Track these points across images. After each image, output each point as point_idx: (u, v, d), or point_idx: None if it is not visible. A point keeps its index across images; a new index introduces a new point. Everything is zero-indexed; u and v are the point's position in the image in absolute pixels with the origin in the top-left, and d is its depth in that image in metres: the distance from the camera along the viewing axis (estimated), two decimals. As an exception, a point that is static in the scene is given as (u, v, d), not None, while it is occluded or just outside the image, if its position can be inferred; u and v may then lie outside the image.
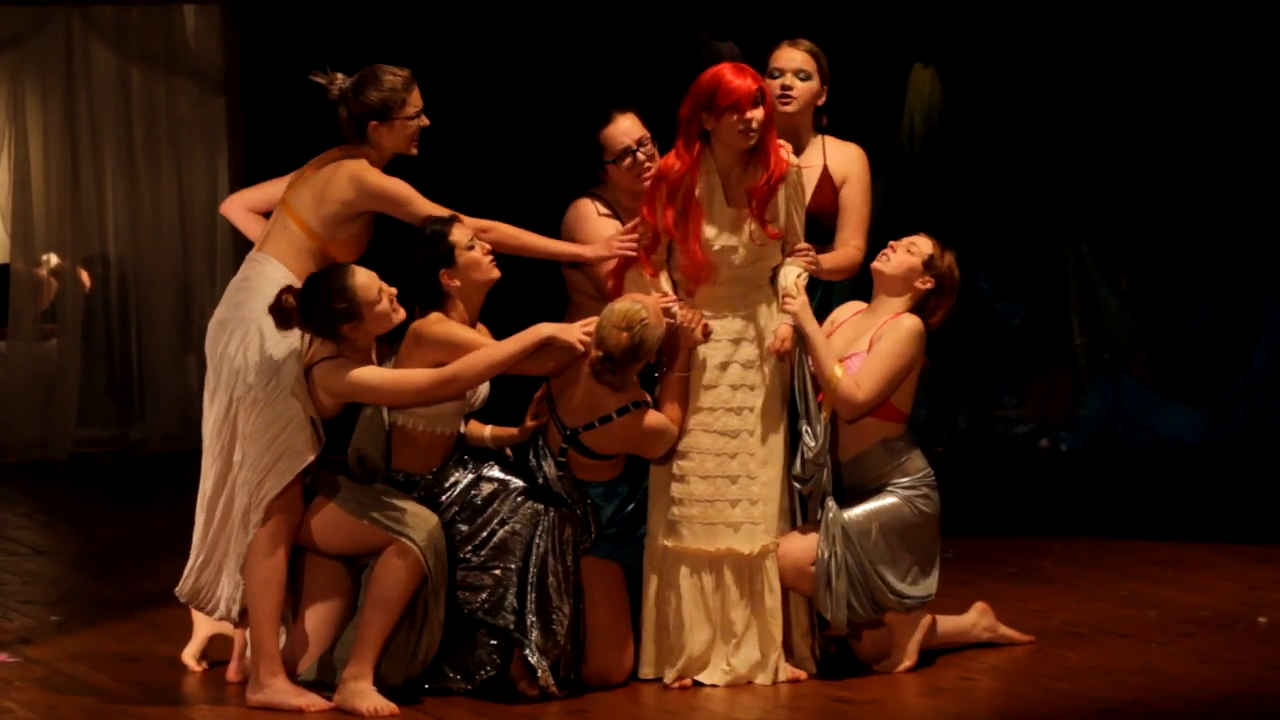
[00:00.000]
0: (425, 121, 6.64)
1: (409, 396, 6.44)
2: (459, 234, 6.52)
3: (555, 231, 6.99)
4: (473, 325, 6.60)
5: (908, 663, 6.84)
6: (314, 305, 6.36)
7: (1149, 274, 12.74)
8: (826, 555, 6.64)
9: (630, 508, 6.73)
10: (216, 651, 6.99)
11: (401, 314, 6.43)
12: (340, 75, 6.63)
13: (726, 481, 6.69)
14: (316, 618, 6.63)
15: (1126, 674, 6.80)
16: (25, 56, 13.04)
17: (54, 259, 13.27)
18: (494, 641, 6.54)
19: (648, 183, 6.80)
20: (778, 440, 6.74)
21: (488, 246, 6.57)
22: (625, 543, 6.72)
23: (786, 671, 6.71)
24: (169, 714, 6.49)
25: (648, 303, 6.52)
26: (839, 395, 6.67)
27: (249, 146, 12.85)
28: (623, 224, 6.87)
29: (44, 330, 13.35)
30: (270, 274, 6.49)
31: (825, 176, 7.12)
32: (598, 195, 7.01)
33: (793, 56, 7.10)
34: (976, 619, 7.13)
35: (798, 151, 6.93)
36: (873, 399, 6.70)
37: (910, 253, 6.85)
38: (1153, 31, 12.32)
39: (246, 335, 6.44)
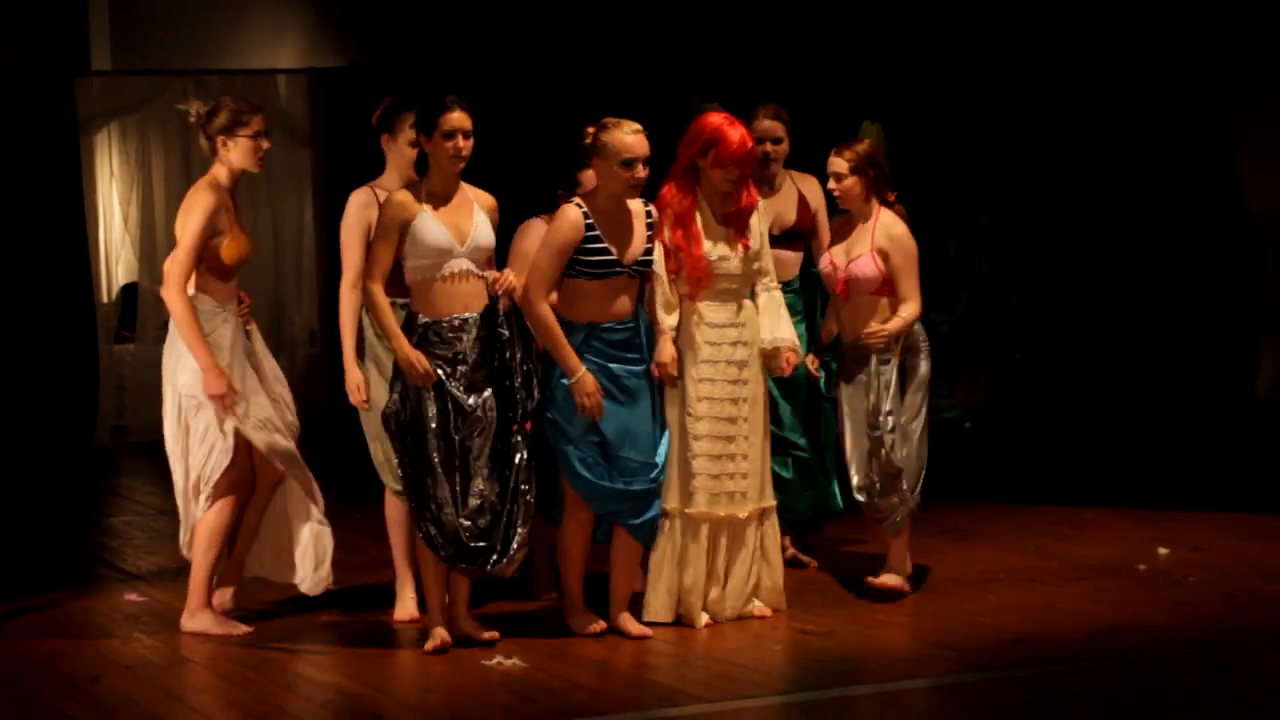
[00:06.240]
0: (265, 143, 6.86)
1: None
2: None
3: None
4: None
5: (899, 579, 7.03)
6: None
7: (1050, 291, 12.76)
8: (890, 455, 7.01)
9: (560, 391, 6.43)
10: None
11: None
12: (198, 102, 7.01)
13: (727, 459, 6.71)
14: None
15: (1034, 611, 6.82)
16: (150, 116, 13.05)
17: (173, 278, 13.28)
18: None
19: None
20: (761, 417, 6.78)
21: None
22: (627, 515, 6.55)
23: (771, 607, 6.80)
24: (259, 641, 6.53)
25: None
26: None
27: (329, 189, 12.88)
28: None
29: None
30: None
31: (802, 202, 7.51)
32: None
33: (771, 128, 7.45)
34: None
35: (772, 187, 7.42)
36: (920, 301, 7.22)
37: (838, 180, 6.99)
38: (1051, 95, 12.36)
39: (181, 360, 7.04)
